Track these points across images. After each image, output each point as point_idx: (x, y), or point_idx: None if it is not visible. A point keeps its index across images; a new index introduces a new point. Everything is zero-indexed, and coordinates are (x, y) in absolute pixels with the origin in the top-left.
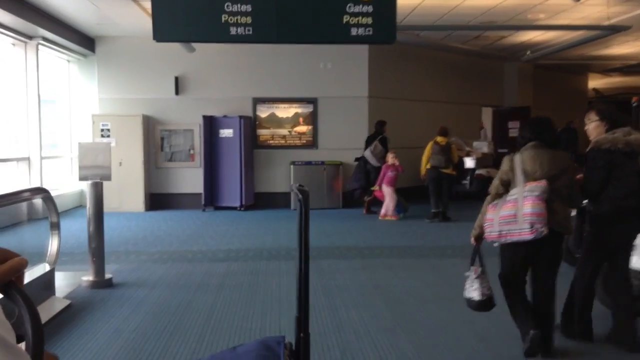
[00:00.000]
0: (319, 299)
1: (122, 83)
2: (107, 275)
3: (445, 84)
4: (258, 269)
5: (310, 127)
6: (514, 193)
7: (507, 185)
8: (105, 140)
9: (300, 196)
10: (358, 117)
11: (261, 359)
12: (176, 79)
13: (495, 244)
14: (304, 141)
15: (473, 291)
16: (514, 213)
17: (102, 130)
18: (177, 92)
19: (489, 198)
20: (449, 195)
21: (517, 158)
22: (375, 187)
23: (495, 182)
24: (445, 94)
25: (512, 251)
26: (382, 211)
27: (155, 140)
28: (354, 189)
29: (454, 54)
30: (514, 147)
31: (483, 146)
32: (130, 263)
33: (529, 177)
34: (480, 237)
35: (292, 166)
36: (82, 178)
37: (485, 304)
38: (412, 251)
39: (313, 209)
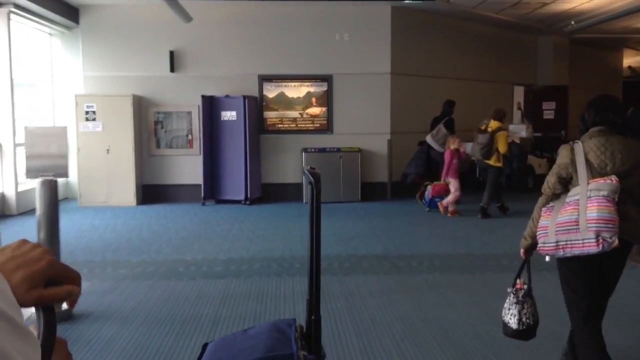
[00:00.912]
0: (349, 340)
1: (109, 58)
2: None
3: (475, 60)
4: (265, 289)
5: (324, 109)
6: (575, 193)
7: (565, 183)
8: (91, 124)
9: (311, 178)
10: (379, 96)
11: (272, 341)
12: (171, 53)
13: (548, 259)
14: (317, 125)
15: (511, 316)
16: (576, 218)
17: (87, 112)
18: (172, 69)
19: (542, 199)
20: (490, 189)
21: (579, 147)
22: (447, 180)
23: (551, 179)
24: (475, 70)
25: (574, 268)
26: (447, 206)
27: (148, 124)
28: (407, 175)
29: (485, 26)
30: (549, 130)
31: (521, 130)
32: (104, 280)
33: (594, 172)
34: (531, 249)
35: (303, 153)
36: (30, 175)
37: (522, 334)
38: (459, 262)
39: (328, 202)
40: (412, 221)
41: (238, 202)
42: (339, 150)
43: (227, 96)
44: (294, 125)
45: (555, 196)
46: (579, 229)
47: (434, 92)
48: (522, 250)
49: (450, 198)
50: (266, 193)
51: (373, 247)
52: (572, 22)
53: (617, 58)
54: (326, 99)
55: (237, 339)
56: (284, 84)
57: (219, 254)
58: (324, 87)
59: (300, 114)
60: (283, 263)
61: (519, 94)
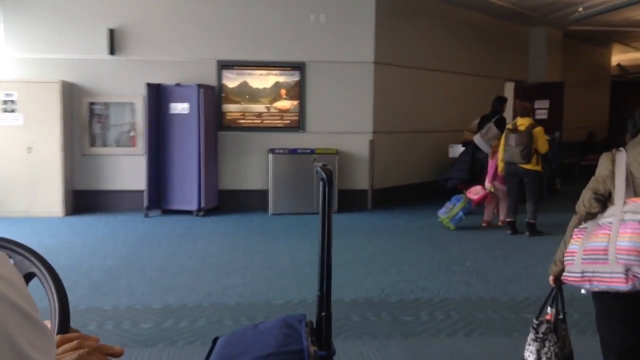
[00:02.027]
0: None
1: (34, 37)
2: None
3: (465, 52)
4: None
5: (295, 103)
6: (610, 214)
7: (604, 201)
8: (9, 116)
9: (323, 175)
10: (360, 89)
11: (283, 337)
12: (111, 32)
13: (584, 291)
14: (287, 121)
15: (529, 353)
16: (605, 246)
17: (5, 102)
18: (111, 52)
19: (574, 219)
20: (535, 199)
21: (621, 157)
22: (489, 187)
23: (586, 195)
24: (465, 64)
25: (609, 301)
26: (501, 217)
27: (81, 117)
28: (447, 179)
29: (477, 13)
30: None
31: None
32: None
33: (635, 188)
34: (561, 276)
35: (270, 155)
36: None
37: None
38: (483, 312)
39: (298, 213)
40: (405, 240)
41: (189, 212)
42: (312, 151)
43: (178, 85)
44: (259, 121)
45: (591, 216)
46: (607, 258)
47: (423, 86)
48: (551, 277)
49: (501, 208)
50: (224, 202)
51: (362, 286)
52: (580, 9)
53: (606, 55)
54: (298, 91)
55: (247, 334)
56: (248, 72)
57: (151, 297)
58: (295, 77)
59: (266, 108)
60: (240, 316)
61: (510, 90)
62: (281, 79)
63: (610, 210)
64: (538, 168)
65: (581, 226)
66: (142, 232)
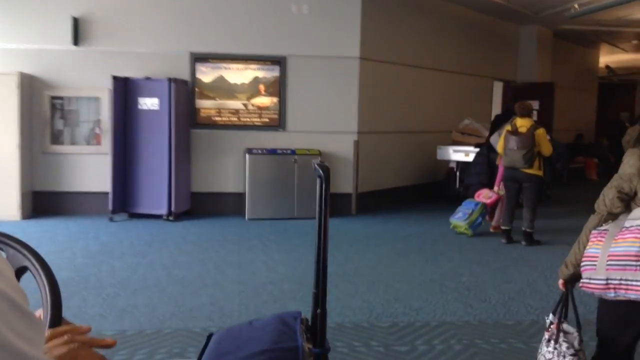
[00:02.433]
0: None
1: None
2: None
3: (454, 49)
4: None
5: (275, 100)
6: (638, 215)
7: (628, 200)
8: None
9: (320, 172)
10: (345, 87)
11: (278, 334)
12: (75, 21)
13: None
14: (266, 120)
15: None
16: (636, 251)
17: None
18: (75, 42)
19: (593, 218)
20: (533, 206)
21: None
22: (498, 190)
23: (609, 193)
24: (455, 61)
25: (627, 308)
26: (494, 222)
27: (42, 113)
28: (469, 186)
29: (466, 8)
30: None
31: None
32: None
33: None
34: (573, 280)
35: (247, 156)
36: None
37: None
38: (487, 341)
39: (277, 218)
40: (392, 251)
41: (158, 217)
42: (293, 152)
43: (147, 78)
44: (236, 118)
45: (612, 216)
46: (639, 266)
47: (410, 84)
48: (560, 281)
49: (497, 213)
50: (197, 205)
51: (348, 307)
52: (576, 5)
53: (594, 56)
54: (278, 86)
55: (242, 331)
56: (224, 65)
57: (105, 321)
58: (275, 72)
59: (244, 104)
60: None
61: (498, 90)
62: (260, 73)
63: (636, 212)
64: (540, 173)
65: (601, 228)
66: (104, 239)
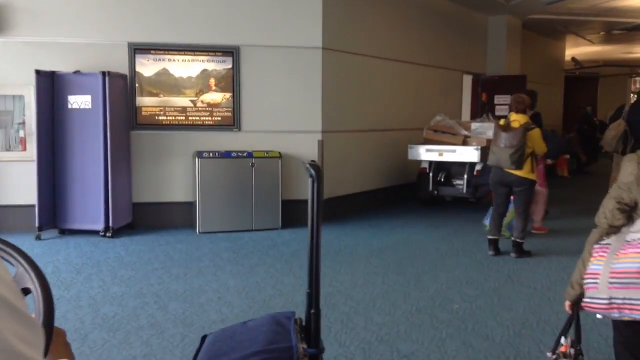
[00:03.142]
0: None
1: None
2: None
3: (422, 40)
4: None
5: (228, 96)
6: (638, 228)
7: (629, 212)
8: None
9: (312, 172)
10: (307, 80)
11: (272, 334)
12: None
13: (600, 316)
14: (218, 118)
15: None
16: (639, 267)
17: None
18: None
19: (594, 233)
20: (524, 214)
21: None
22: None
23: (609, 205)
24: (423, 53)
25: (634, 330)
26: (535, 223)
27: None
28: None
29: None
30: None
31: (488, 129)
32: None
33: None
34: (579, 301)
35: (197, 160)
36: None
37: None
38: None
39: (232, 231)
40: (367, 269)
41: (94, 233)
42: (250, 155)
43: (77, 72)
44: (183, 117)
45: (614, 229)
46: None
47: (379, 77)
48: (567, 303)
49: (539, 212)
50: (140, 218)
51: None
52: None
53: (561, 48)
54: (231, 81)
55: (236, 331)
56: (168, 57)
57: None
58: (227, 64)
59: (192, 101)
60: None
61: (468, 84)
62: (210, 66)
63: (637, 225)
64: (532, 176)
65: (603, 242)
66: None
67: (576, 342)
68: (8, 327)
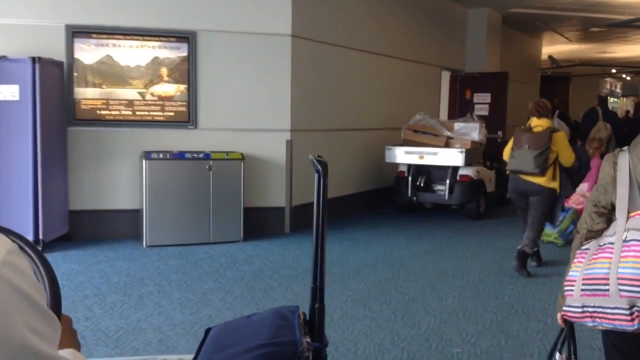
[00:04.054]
0: None
1: None
2: None
3: (399, 32)
4: None
5: (182, 88)
6: (612, 232)
7: (608, 215)
8: None
9: (319, 167)
10: (274, 71)
11: (276, 328)
12: None
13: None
14: (171, 113)
15: None
16: (606, 273)
17: None
18: None
19: (576, 238)
20: (538, 226)
21: (623, 159)
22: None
23: (588, 207)
24: (401, 46)
25: (617, 344)
26: None
27: None
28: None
29: None
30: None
31: (472, 130)
32: None
33: None
34: None
35: (145, 162)
36: None
37: None
38: None
39: (187, 244)
40: (346, 296)
41: None
42: (207, 156)
43: (3, 58)
44: (130, 112)
45: (594, 233)
46: (609, 290)
47: (354, 71)
48: (559, 315)
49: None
50: (77, 228)
51: None
52: None
53: (537, 45)
54: (186, 71)
55: (240, 325)
56: (113, 42)
57: None
58: (182, 52)
59: (140, 94)
60: None
61: (446, 81)
62: (162, 53)
63: (613, 227)
64: (554, 185)
65: (583, 247)
66: None
67: (569, 357)
68: (27, 322)
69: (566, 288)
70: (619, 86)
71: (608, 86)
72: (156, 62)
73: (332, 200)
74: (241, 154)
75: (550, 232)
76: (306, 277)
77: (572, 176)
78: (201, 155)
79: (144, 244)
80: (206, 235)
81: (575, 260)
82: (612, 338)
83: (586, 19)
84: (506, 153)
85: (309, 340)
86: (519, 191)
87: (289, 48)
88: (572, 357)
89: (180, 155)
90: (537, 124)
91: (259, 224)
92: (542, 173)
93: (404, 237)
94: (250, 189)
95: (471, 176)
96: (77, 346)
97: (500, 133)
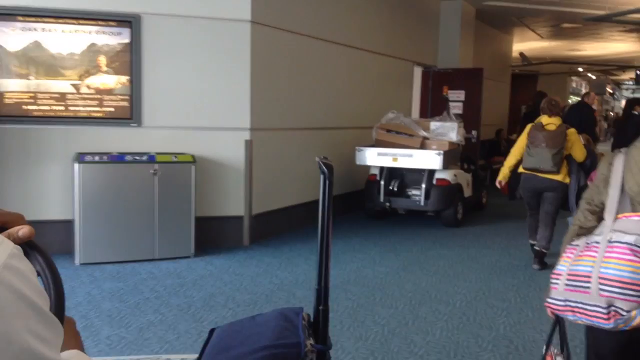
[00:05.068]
0: None
1: None
2: None
3: (371, 24)
4: None
5: (124, 79)
6: (599, 231)
7: (599, 213)
8: None
9: (325, 169)
10: (230, 62)
11: (280, 329)
12: None
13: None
14: (111, 109)
15: None
16: (589, 271)
17: None
18: None
19: (568, 233)
20: (553, 220)
21: (619, 160)
22: None
23: (582, 204)
24: (372, 38)
25: (598, 339)
26: None
27: None
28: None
29: None
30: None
31: (449, 130)
32: None
33: (633, 200)
34: None
35: (77, 165)
36: None
37: None
38: None
39: (126, 262)
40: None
41: None
42: (152, 159)
43: None
44: (62, 107)
45: (585, 230)
46: (590, 288)
47: (322, 62)
48: (548, 309)
49: None
50: None
51: None
52: None
53: (509, 42)
54: (129, 60)
55: (244, 326)
56: (42, 26)
57: None
58: (123, 38)
59: (74, 86)
60: None
61: (418, 77)
62: (100, 39)
63: (600, 227)
64: (567, 180)
65: (573, 242)
66: None
67: (561, 351)
68: (29, 326)
69: (552, 280)
70: (583, 85)
71: (575, 85)
72: (93, 50)
73: (297, 207)
74: (192, 156)
75: None
76: (267, 304)
77: (588, 172)
78: (145, 158)
79: (76, 261)
80: (150, 251)
81: (564, 254)
82: (593, 340)
83: (561, 14)
84: (517, 152)
85: (312, 342)
86: (535, 189)
87: (249, 36)
88: (564, 346)
89: (119, 158)
90: (549, 121)
91: (213, 236)
92: (559, 170)
93: (377, 250)
94: (202, 196)
95: (449, 180)
96: (81, 347)
97: (474, 133)
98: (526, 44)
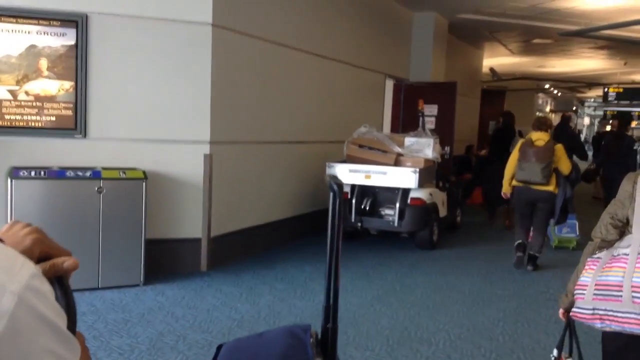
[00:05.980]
0: None
1: None
2: None
3: (343, 32)
4: None
5: (68, 85)
6: (627, 244)
7: (622, 228)
8: None
9: (334, 187)
10: (187, 68)
11: (287, 347)
12: None
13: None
14: (52, 118)
15: None
16: (620, 281)
17: None
18: None
19: (590, 245)
20: (544, 228)
21: None
22: None
23: (604, 219)
24: (344, 49)
25: (623, 341)
26: None
27: None
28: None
29: None
30: None
31: (425, 147)
32: None
33: None
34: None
35: (11, 181)
36: None
37: None
38: None
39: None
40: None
41: None
42: (97, 175)
43: None
44: None
45: (607, 243)
46: (622, 296)
47: (289, 71)
48: (560, 311)
49: None
50: None
51: None
52: None
53: (479, 57)
54: (73, 64)
55: (252, 343)
56: None
57: None
58: (68, 39)
59: (11, 92)
60: None
61: (390, 90)
62: (41, 40)
63: (627, 240)
64: (556, 190)
65: (595, 255)
66: None
67: (571, 351)
68: (47, 346)
69: (577, 291)
70: (549, 102)
71: (540, 101)
72: (33, 52)
73: (261, 227)
74: (143, 171)
75: (571, 238)
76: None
77: (573, 184)
78: (88, 174)
79: None
80: (93, 279)
81: (586, 266)
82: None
83: (535, 29)
84: (511, 166)
85: None
86: (527, 199)
87: (209, 40)
88: (575, 347)
89: (60, 174)
90: (538, 137)
91: (166, 261)
92: (548, 182)
93: (349, 277)
94: (155, 217)
95: (424, 199)
96: None
97: (447, 149)
98: (497, 59)
